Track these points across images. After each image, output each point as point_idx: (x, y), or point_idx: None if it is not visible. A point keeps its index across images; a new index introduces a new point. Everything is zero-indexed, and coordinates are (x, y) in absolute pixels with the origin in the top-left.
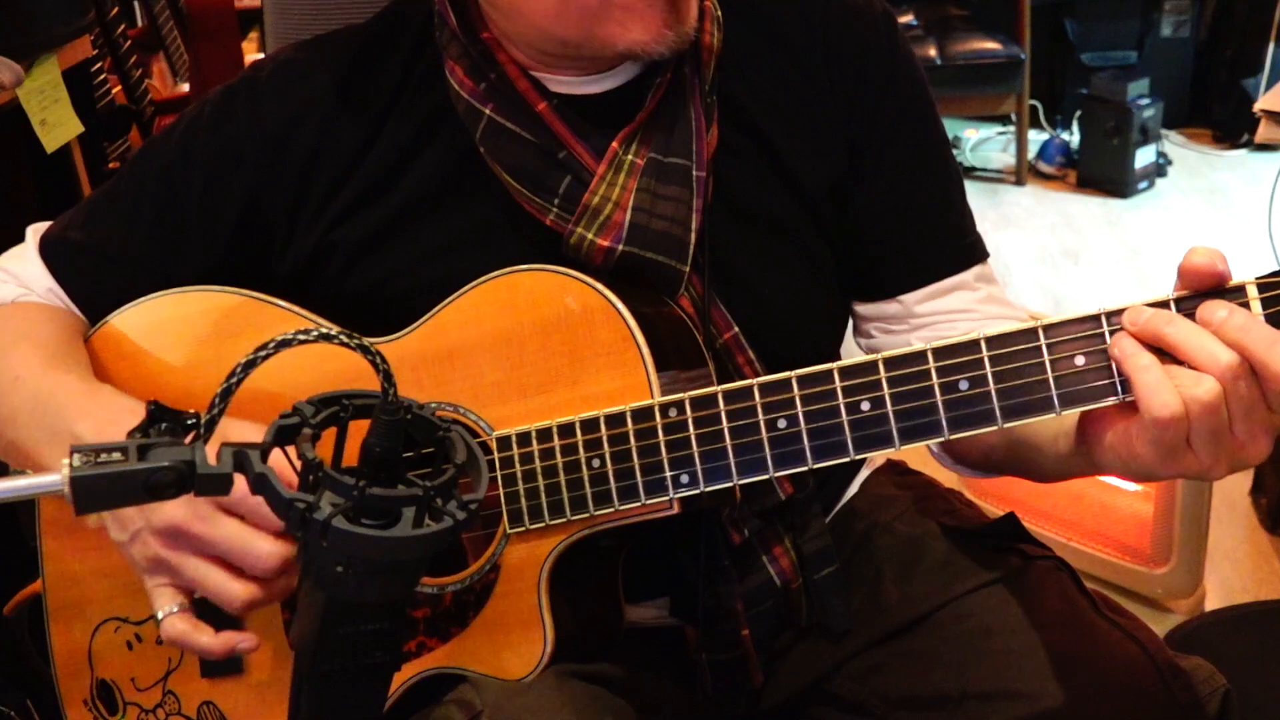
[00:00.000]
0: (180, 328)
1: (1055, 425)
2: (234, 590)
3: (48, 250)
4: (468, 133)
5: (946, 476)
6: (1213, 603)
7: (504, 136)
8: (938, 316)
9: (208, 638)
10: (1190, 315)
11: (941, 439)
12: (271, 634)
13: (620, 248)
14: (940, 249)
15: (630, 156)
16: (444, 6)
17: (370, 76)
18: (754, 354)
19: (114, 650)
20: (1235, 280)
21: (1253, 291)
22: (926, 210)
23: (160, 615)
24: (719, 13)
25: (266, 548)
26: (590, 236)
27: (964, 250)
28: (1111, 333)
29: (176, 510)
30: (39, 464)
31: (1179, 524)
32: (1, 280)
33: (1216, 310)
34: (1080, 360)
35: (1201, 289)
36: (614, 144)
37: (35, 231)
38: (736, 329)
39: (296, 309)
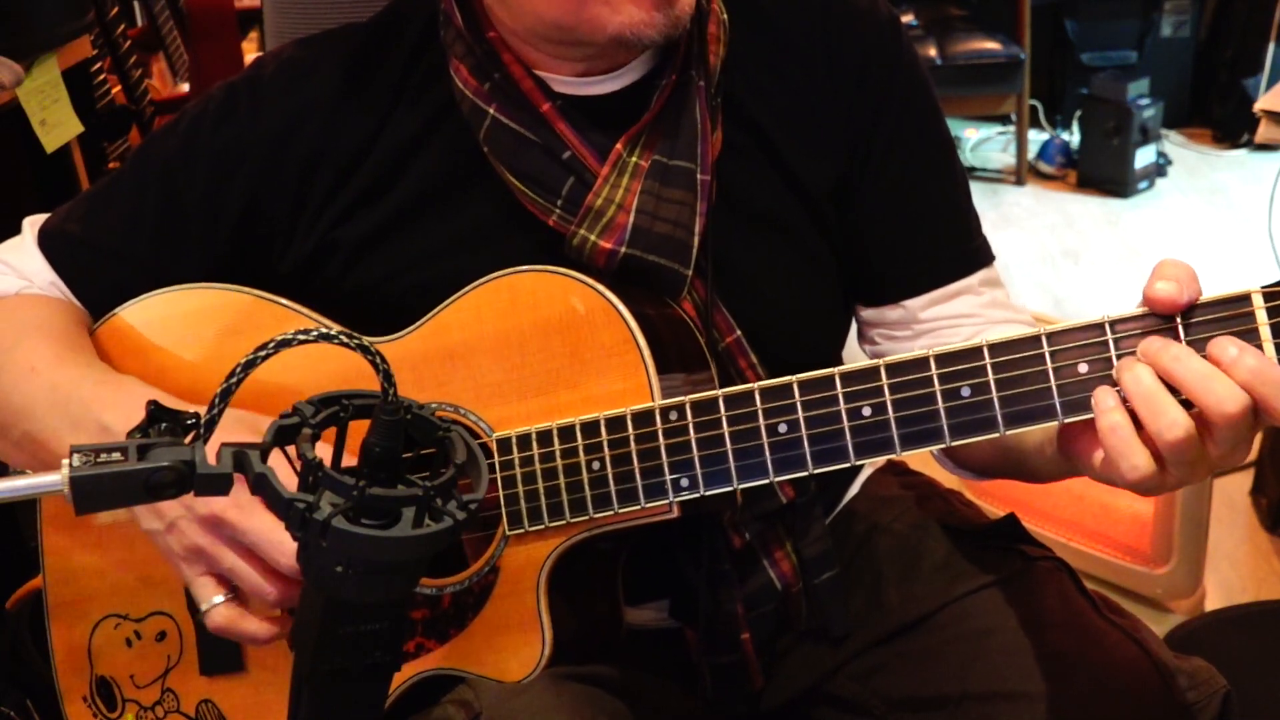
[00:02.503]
0: (183, 324)
1: (1040, 433)
2: (268, 585)
3: (47, 243)
4: (471, 132)
5: (946, 477)
6: (1213, 603)
7: (507, 136)
8: (942, 322)
9: (255, 625)
10: (1200, 344)
11: (943, 445)
12: None
13: (623, 250)
14: (945, 254)
15: (634, 158)
16: (450, 5)
17: (373, 74)
18: (756, 357)
19: (113, 647)
20: (1241, 289)
21: (1258, 300)
22: (931, 214)
23: (205, 607)
24: (725, 15)
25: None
26: (593, 238)
27: (969, 255)
28: (1115, 340)
29: (217, 499)
30: (58, 454)
31: (1179, 524)
32: (2, 273)
33: (1228, 348)
34: (1083, 368)
35: (1162, 313)
36: (618, 146)
37: (32, 224)
38: (739, 332)
39: (299, 307)
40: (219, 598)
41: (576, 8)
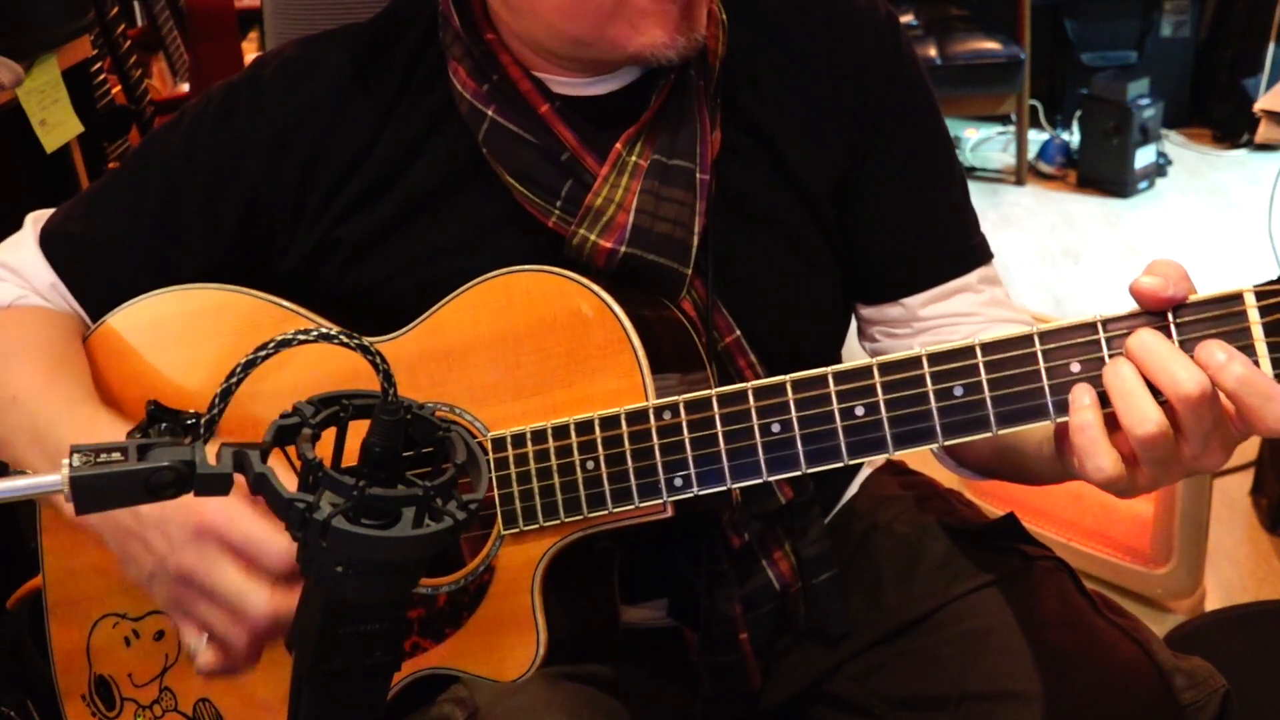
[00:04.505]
0: (180, 325)
1: (1041, 430)
2: (235, 631)
3: (47, 243)
4: (470, 133)
5: (946, 476)
6: (1213, 603)
7: (506, 138)
8: (941, 320)
9: (240, 661)
10: (1191, 344)
11: (935, 445)
12: None
13: (623, 249)
14: (943, 252)
15: (634, 158)
16: (448, 7)
17: (373, 74)
18: (755, 357)
19: (112, 646)
20: (1233, 288)
21: (1250, 300)
22: (929, 212)
23: (192, 653)
24: (724, 15)
25: (280, 545)
26: (592, 238)
27: (968, 253)
28: (1108, 340)
29: (187, 554)
30: None
31: (1179, 524)
32: (1, 278)
33: (1215, 353)
34: (1076, 367)
35: (1152, 310)
36: (617, 145)
37: (34, 220)
38: (738, 332)
39: (299, 308)
40: (203, 642)
41: (599, 26)
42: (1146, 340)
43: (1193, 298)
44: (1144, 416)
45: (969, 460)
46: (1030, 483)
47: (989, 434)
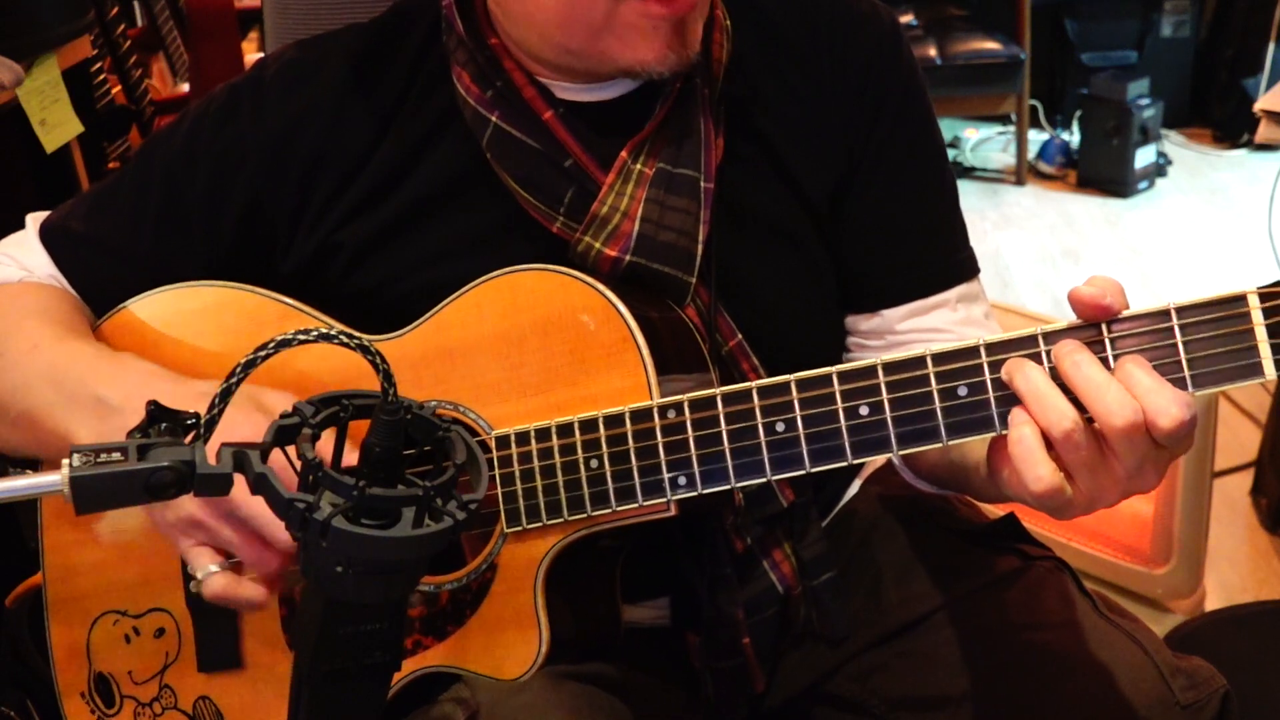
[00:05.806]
0: (188, 321)
1: (980, 450)
2: (267, 553)
3: (49, 238)
4: (474, 137)
5: None
6: (1213, 603)
7: (510, 144)
8: (916, 335)
9: (251, 590)
10: (1122, 356)
11: (940, 445)
12: (269, 629)
13: (628, 258)
14: (927, 266)
15: (639, 166)
16: (451, 12)
17: (376, 77)
18: (758, 360)
19: (112, 643)
20: (1236, 289)
21: (1254, 301)
22: (915, 225)
23: (200, 575)
24: (728, 22)
25: None
26: (598, 246)
27: (951, 268)
28: (1112, 340)
29: None
30: (54, 431)
31: (1179, 524)
32: (4, 263)
33: (1126, 367)
34: None
35: (1088, 320)
36: (623, 153)
37: (35, 220)
38: (740, 336)
39: (303, 307)
40: (213, 567)
41: (589, 39)
42: (1081, 364)
43: (1125, 312)
44: (1061, 414)
45: (923, 471)
46: (977, 499)
47: (992, 434)
